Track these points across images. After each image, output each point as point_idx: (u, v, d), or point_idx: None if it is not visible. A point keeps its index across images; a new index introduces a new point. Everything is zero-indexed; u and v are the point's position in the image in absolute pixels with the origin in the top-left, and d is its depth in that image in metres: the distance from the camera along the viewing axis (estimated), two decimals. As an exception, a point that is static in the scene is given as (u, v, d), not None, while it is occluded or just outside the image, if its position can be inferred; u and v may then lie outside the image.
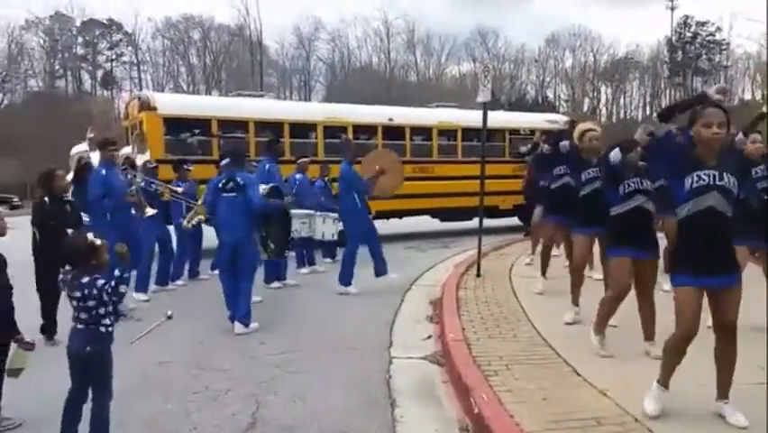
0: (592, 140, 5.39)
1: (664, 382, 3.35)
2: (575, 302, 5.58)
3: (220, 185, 6.04)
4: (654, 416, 3.26)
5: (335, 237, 8.95)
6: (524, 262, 8.97)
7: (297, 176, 9.11)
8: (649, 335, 4.44)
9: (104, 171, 6.43)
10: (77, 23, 54.65)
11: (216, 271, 8.52)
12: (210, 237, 8.73)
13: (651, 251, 4.36)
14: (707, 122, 3.14)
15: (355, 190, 7.47)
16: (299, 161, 9.40)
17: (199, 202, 7.98)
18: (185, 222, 7.84)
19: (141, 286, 7.22)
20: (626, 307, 4.52)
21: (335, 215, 8.80)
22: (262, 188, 6.48)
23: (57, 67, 54.66)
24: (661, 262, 4.43)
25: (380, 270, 7.62)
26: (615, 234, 4.40)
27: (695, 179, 3.15)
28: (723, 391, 3.26)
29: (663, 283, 5.09)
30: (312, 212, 8.62)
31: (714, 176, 3.15)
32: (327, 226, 8.72)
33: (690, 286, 3.18)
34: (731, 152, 3.95)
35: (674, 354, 3.29)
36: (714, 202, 3.14)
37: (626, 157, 4.14)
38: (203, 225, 8.25)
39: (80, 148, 8.98)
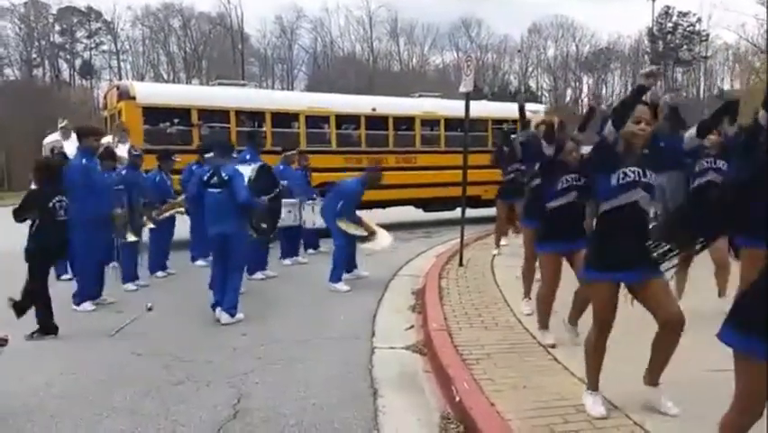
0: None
1: (594, 387, 3.37)
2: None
3: (204, 178, 5.95)
4: (604, 416, 3.24)
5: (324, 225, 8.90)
6: (492, 253, 8.97)
7: (281, 167, 9.05)
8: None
9: (84, 162, 6.17)
10: (54, 11, 53.61)
11: (198, 263, 8.59)
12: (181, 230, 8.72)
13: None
14: (636, 118, 3.16)
15: (344, 204, 7.34)
16: (285, 154, 9.28)
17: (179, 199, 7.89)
18: (154, 213, 7.72)
19: (128, 277, 7.27)
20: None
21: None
22: (249, 169, 6.31)
23: (34, 55, 53.57)
24: None
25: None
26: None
27: (621, 175, 3.17)
28: (657, 377, 3.29)
29: None
30: (297, 201, 8.51)
31: (638, 172, 3.16)
32: (316, 215, 8.59)
33: (604, 281, 3.23)
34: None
35: (595, 351, 3.34)
36: (638, 198, 3.17)
37: None
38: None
39: (53, 138, 8.80)
